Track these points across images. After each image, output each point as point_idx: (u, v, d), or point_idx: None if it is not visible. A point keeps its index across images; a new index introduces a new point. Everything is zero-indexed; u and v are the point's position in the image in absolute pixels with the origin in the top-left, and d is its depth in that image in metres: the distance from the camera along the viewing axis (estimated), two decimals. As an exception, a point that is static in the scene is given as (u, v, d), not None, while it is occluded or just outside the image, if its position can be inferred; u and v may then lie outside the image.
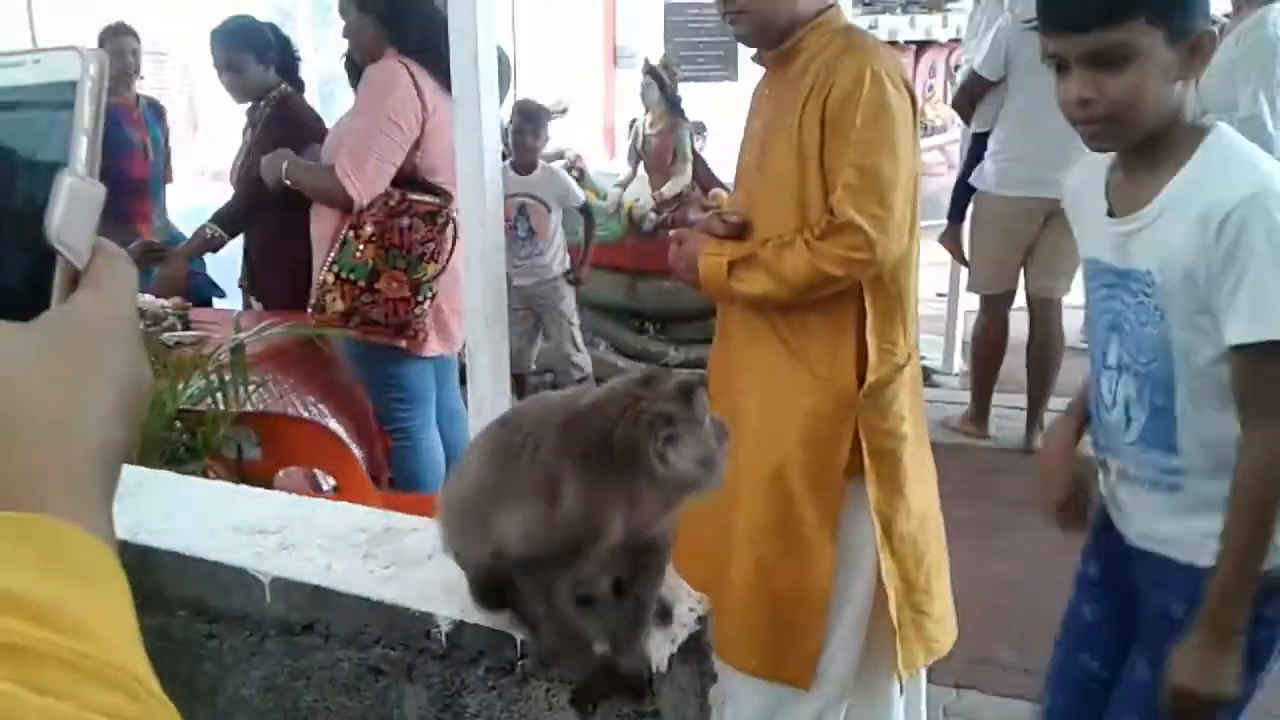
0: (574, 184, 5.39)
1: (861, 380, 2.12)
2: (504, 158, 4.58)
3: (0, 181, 0.50)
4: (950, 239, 5.02)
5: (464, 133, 2.51)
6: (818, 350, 2.14)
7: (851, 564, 2.19)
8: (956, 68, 5.07)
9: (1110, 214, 1.69)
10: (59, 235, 0.48)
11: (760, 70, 2.26)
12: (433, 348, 3.40)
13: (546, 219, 5.16)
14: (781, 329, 2.15)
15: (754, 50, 2.21)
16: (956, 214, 4.96)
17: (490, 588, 1.05)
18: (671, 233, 2.37)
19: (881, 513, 2.17)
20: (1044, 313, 4.67)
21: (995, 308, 4.76)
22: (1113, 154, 1.71)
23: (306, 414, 3.11)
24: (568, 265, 5.31)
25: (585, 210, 5.35)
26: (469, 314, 2.64)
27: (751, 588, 2.21)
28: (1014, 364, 4.85)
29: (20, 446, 0.45)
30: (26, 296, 0.49)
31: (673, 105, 6.03)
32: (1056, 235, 4.37)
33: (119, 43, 4.97)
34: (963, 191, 4.84)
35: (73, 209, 0.48)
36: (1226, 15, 4.35)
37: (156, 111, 5.23)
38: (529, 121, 5.12)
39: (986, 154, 4.63)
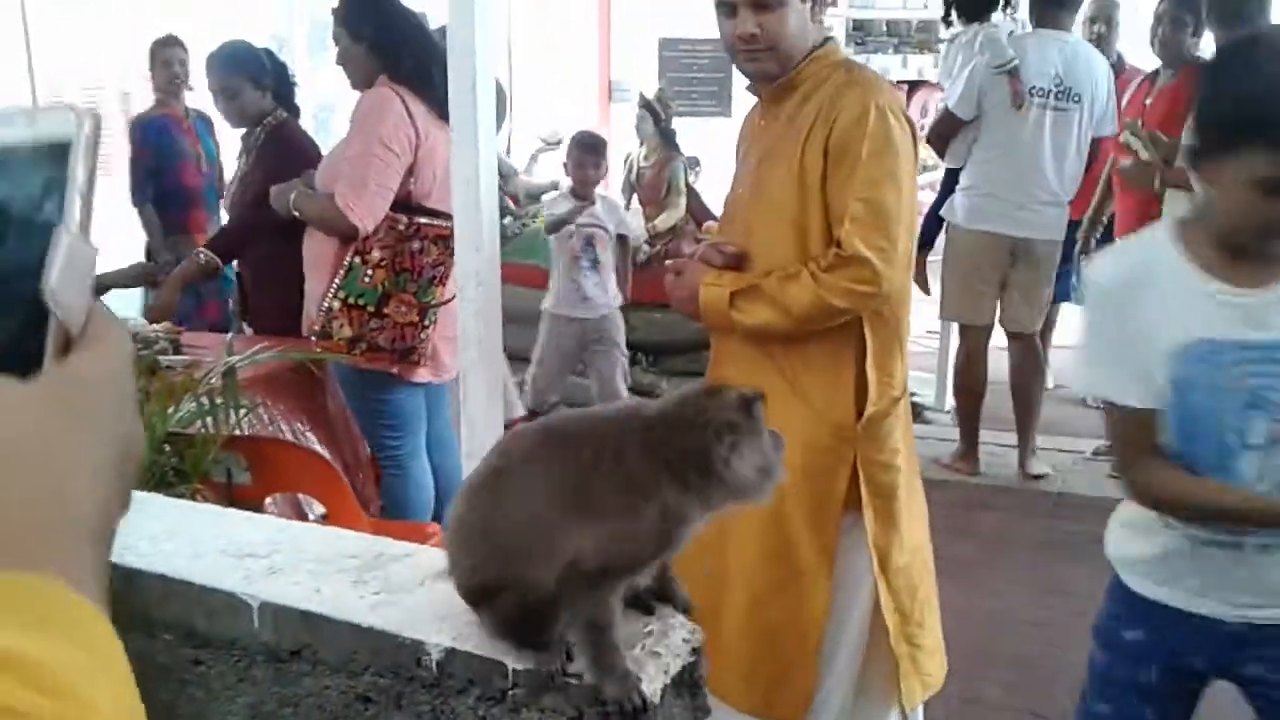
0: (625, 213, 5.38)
1: (859, 412, 2.12)
2: (501, 187, 4.52)
3: None
4: (917, 269, 5.06)
5: (461, 159, 2.52)
6: (815, 383, 2.13)
7: (847, 598, 2.17)
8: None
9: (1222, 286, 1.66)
10: (55, 295, 0.48)
11: (750, 101, 2.27)
12: (422, 375, 3.40)
13: (609, 249, 5.07)
14: (779, 360, 2.15)
15: (748, 80, 2.21)
16: (925, 244, 5.02)
17: (539, 613, 1.03)
18: (669, 263, 2.36)
19: (879, 546, 2.15)
20: (1019, 346, 4.79)
21: (971, 341, 4.82)
22: (1172, 233, 1.70)
23: (297, 440, 3.09)
24: (620, 297, 5.20)
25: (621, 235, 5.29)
26: (463, 339, 2.63)
27: (746, 621, 2.19)
28: (1004, 402, 4.87)
29: (14, 505, 0.43)
30: (16, 358, 0.48)
31: (667, 138, 6.05)
32: (1025, 271, 4.64)
33: (168, 54, 4.99)
34: (933, 222, 4.92)
35: (69, 268, 0.48)
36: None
37: (206, 124, 5.18)
38: (590, 154, 5.02)
39: (958, 189, 4.76)
